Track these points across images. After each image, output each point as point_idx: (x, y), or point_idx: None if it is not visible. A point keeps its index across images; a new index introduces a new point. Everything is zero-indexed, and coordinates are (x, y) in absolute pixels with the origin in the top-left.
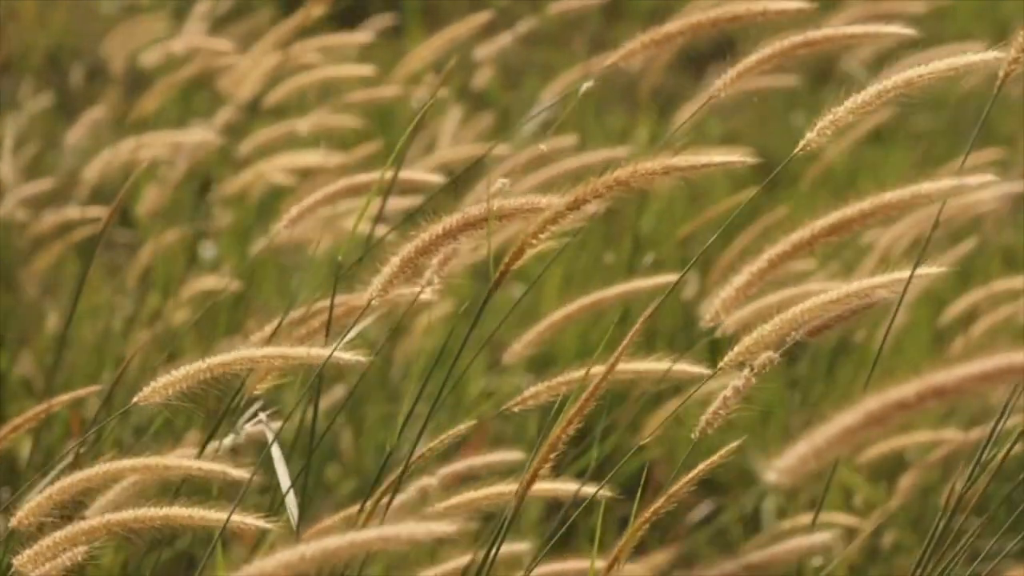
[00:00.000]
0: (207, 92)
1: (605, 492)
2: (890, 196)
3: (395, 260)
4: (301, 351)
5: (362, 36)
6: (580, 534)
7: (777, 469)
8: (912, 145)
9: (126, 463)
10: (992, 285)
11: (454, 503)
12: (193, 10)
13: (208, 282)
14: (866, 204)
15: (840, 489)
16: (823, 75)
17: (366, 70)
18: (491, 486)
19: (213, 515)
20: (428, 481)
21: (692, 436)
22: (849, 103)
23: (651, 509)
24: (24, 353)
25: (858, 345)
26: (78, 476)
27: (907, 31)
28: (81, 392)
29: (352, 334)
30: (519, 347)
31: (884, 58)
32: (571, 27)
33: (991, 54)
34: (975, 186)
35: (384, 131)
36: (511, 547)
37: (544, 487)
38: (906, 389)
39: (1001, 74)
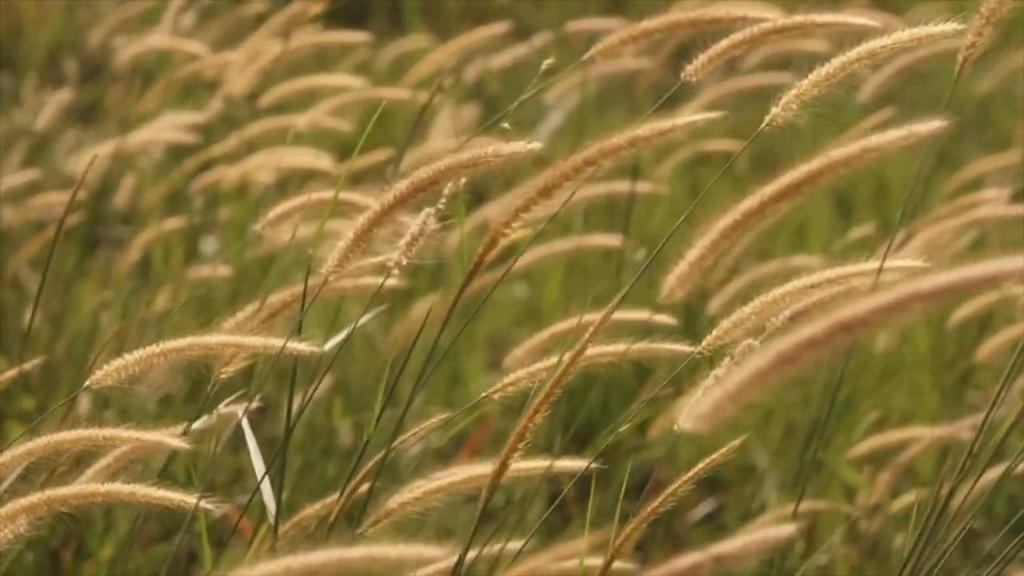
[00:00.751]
0: (208, 88)
1: (591, 467)
2: (838, 153)
3: (348, 234)
4: (255, 340)
5: (359, 36)
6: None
7: (693, 416)
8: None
9: (66, 435)
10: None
11: (433, 488)
12: (173, 4)
13: (202, 272)
14: (814, 165)
15: (842, 487)
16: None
17: (358, 82)
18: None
19: (155, 493)
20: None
21: (675, 428)
22: (813, 76)
23: (650, 508)
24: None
25: (861, 343)
26: (20, 449)
27: (872, 22)
28: (26, 365)
29: (348, 331)
30: (520, 352)
31: (887, 56)
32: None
33: (950, 26)
34: (924, 134)
35: (385, 131)
36: (510, 544)
37: (523, 466)
38: (815, 326)
39: (960, 59)
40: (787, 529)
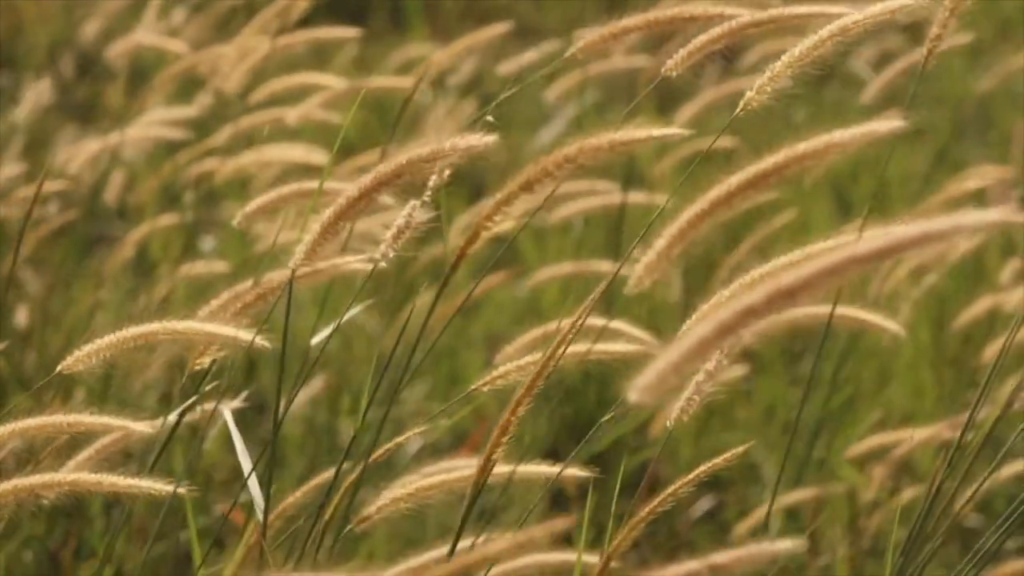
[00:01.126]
0: (202, 84)
1: (580, 472)
2: (803, 147)
3: (315, 227)
4: (225, 329)
5: (350, 32)
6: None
7: (638, 388)
8: (914, 142)
9: (31, 422)
10: (998, 293)
11: (419, 486)
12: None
13: (198, 268)
14: (780, 157)
15: (845, 487)
16: (826, 74)
17: (341, 83)
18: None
19: (122, 481)
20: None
21: (667, 424)
22: (786, 57)
23: (648, 508)
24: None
25: (863, 343)
26: None
27: (849, 11)
28: None
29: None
30: (512, 350)
31: (889, 56)
32: (572, 24)
33: None
34: (883, 132)
35: (386, 129)
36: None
37: (505, 470)
38: (754, 295)
39: (925, 51)
40: (787, 544)
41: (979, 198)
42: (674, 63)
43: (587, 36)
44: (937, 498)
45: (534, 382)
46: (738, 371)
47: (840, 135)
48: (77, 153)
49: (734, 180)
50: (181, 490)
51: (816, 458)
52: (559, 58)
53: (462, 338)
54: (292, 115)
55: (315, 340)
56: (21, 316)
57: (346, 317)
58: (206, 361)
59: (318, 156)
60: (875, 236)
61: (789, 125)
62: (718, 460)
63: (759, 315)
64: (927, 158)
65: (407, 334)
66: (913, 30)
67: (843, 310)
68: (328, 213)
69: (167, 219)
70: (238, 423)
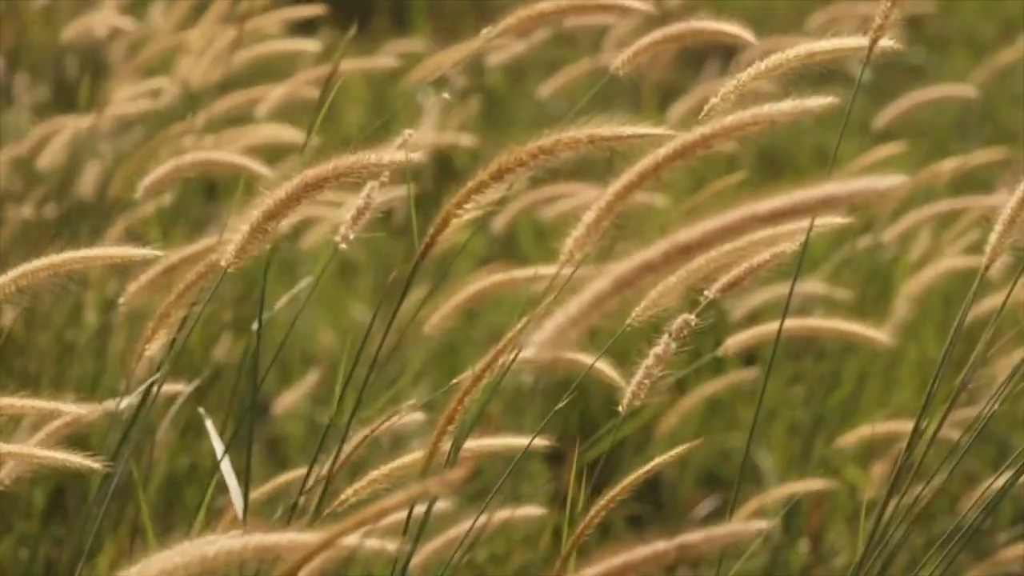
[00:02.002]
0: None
1: (541, 443)
2: (732, 119)
3: (244, 227)
4: (123, 251)
5: (317, 9)
6: None
7: (535, 344)
8: (916, 140)
9: None
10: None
11: (393, 467)
12: None
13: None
14: (708, 128)
15: (846, 486)
16: (828, 75)
17: (313, 45)
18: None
19: (41, 452)
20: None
21: (620, 410)
22: (752, 69)
23: (624, 483)
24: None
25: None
26: None
27: (748, 35)
28: None
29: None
30: (436, 318)
31: (890, 58)
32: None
33: None
34: (814, 108)
35: (385, 125)
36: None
37: (473, 444)
38: (652, 250)
39: (868, 41)
40: (758, 525)
41: (983, 189)
42: (620, 62)
43: (505, 21)
44: (893, 492)
45: (482, 372)
46: (746, 375)
47: (768, 109)
48: (48, 136)
49: (660, 152)
50: (96, 465)
51: (819, 457)
52: (571, 55)
53: (462, 335)
54: (277, 93)
55: (254, 326)
56: (8, 316)
57: (295, 290)
58: (155, 346)
59: (291, 133)
60: (777, 197)
61: (791, 124)
62: (694, 442)
63: (656, 270)
64: (927, 155)
65: (400, 328)
66: (913, 29)
67: (833, 323)
68: (256, 214)
69: (147, 208)
70: (239, 422)
